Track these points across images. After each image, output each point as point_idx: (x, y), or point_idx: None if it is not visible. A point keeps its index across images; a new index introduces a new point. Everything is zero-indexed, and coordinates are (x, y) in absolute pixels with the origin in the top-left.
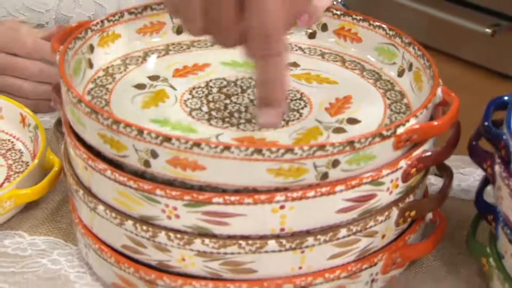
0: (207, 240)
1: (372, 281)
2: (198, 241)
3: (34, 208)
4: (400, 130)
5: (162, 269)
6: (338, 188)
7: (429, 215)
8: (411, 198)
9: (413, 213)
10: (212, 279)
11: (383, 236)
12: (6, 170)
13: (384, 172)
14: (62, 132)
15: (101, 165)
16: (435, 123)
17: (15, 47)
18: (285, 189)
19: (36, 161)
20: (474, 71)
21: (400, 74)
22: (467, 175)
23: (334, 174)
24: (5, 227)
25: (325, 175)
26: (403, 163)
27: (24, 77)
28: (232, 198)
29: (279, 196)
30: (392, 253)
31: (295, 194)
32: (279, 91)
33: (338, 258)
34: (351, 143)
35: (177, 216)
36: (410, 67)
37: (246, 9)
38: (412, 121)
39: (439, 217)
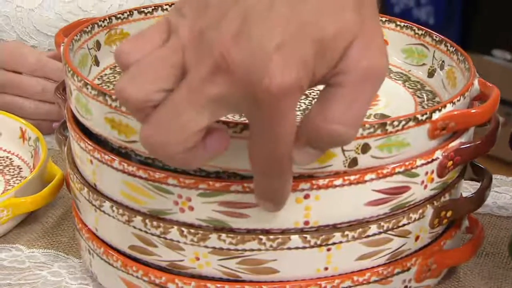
0: (223, 235)
1: None
2: (214, 236)
3: (33, 222)
4: (436, 116)
5: (173, 271)
6: (368, 176)
7: (466, 223)
8: (446, 197)
9: (449, 213)
10: (228, 280)
11: (417, 238)
12: (3, 184)
13: (419, 162)
14: (65, 135)
15: (108, 156)
16: (473, 110)
17: (17, 64)
18: (310, 177)
19: (36, 170)
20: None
21: (431, 74)
22: (503, 193)
23: (363, 161)
24: (1, 241)
25: (354, 162)
26: (439, 154)
27: (25, 95)
28: (252, 186)
29: (304, 184)
30: (426, 258)
31: (321, 182)
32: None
33: (367, 259)
34: (383, 125)
35: (191, 208)
36: (442, 65)
37: None
38: (449, 107)
39: (476, 226)
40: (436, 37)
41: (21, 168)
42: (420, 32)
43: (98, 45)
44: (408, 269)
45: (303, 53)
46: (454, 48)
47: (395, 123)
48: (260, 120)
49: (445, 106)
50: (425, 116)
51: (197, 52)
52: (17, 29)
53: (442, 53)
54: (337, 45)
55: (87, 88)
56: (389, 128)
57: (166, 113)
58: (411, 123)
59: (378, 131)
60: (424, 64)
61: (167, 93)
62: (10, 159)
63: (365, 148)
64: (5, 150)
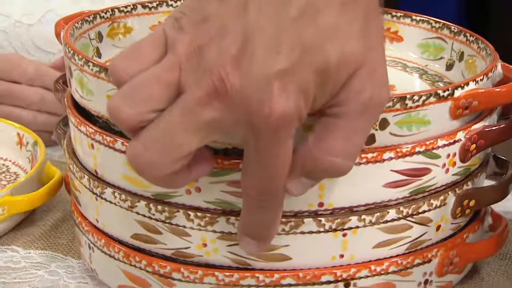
0: (232, 218)
1: (426, 282)
2: (222, 219)
3: (30, 225)
4: (458, 93)
5: (179, 259)
6: (386, 155)
7: (489, 220)
8: (469, 185)
9: (472, 202)
10: (238, 269)
11: (438, 228)
12: None
13: (440, 142)
14: (64, 130)
15: (110, 137)
16: (498, 89)
17: (15, 73)
18: None
19: (34, 169)
20: None
21: (449, 67)
22: None
23: (382, 138)
24: None
25: (371, 138)
26: (461, 136)
27: (23, 105)
28: None
29: None
30: (448, 250)
31: None
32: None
33: (386, 247)
34: (402, 99)
35: (198, 190)
36: (461, 56)
37: None
38: (472, 85)
39: (500, 222)
40: (454, 28)
41: (17, 174)
42: (437, 25)
43: (100, 37)
44: (429, 260)
45: (305, 81)
46: (474, 37)
47: (415, 97)
48: (257, 148)
49: (467, 84)
50: (447, 93)
51: (195, 72)
52: (15, 45)
53: (461, 44)
54: (340, 75)
55: (89, 66)
56: (409, 103)
57: (157, 133)
58: (432, 99)
59: (397, 106)
60: (441, 57)
61: (160, 112)
62: (7, 166)
63: (384, 124)
64: (1, 158)
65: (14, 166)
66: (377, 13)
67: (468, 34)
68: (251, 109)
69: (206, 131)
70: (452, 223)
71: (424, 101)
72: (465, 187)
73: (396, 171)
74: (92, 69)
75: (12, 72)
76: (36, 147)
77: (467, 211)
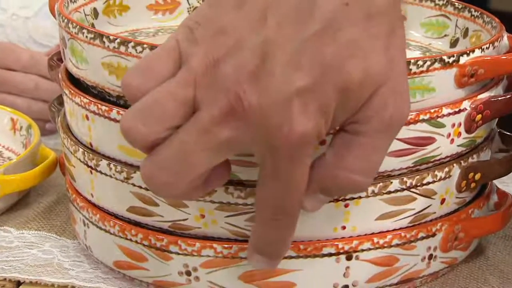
0: (231, 188)
1: (430, 257)
2: (220, 189)
3: (24, 207)
4: (464, 60)
5: (176, 232)
6: None
7: (495, 198)
8: (474, 158)
9: (477, 176)
10: (236, 240)
11: (443, 201)
12: None
13: (445, 110)
14: (58, 107)
15: (105, 106)
16: (504, 57)
17: (9, 60)
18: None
19: (28, 150)
20: None
21: (453, 45)
22: None
23: None
24: None
25: None
26: (466, 105)
27: (17, 92)
28: None
29: None
30: (453, 224)
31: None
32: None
33: (389, 219)
34: (406, 64)
35: None
36: (466, 32)
37: None
38: (477, 52)
39: (506, 199)
40: (458, 5)
41: (11, 159)
42: (440, 2)
43: (95, 13)
44: (433, 234)
45: (326, 99)
46: (479, 12)
47: (420, 62)
48: (274, 167)
49: (473, 51)
50: (452, 59)
51: (211, 88)
52: (12, 38)
53: (466, 20)
54: (362, 93)
55: (83, 33)
56: (413, 68)
57: (172, 153)
58: (437, 65)
59: None
60: (445, 35)
61: (175, 129)
62: (0, 151)
63: None
64: None
65: (7, 151)
66: (401, 22)
67: (472, 10)
68: (269, 128)
69: (222, 150)
70: (457, 197)
71: (428, 66)
72: (470, 160)
73: (400, 140)
74: (86, 36)
75: (6, 59)
76: (31, 130)
77: (472, 184)
